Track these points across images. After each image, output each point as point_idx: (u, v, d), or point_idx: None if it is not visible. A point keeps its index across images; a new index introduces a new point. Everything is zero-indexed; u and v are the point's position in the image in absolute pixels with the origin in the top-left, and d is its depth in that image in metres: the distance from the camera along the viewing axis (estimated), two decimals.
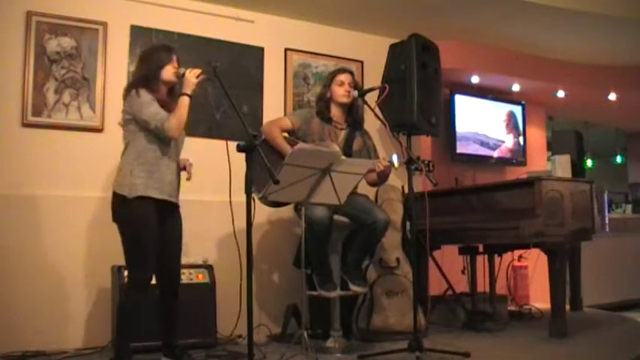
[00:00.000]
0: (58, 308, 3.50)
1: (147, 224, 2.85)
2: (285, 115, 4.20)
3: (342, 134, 3.64)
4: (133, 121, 2.89)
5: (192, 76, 2.95)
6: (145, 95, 2.86)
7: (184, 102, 2.92)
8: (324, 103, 3.65)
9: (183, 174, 3.10)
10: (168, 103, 2.95)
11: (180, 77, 2.96)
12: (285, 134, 3.61)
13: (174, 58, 3.00)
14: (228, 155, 2.81)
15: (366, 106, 3.56)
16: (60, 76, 3.72)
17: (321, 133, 3.59)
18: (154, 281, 2.94)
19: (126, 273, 3.36)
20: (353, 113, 3.67)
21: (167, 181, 2.93)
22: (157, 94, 2.93)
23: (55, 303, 3.50)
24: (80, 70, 3.79)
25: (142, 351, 3.16)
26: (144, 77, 2.94)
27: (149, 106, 2.85)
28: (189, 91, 2.94)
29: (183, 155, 3.10)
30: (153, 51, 3.05)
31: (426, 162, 3.30)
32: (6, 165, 3.54)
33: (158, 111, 2.86)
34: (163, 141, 2.91)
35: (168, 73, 2.96)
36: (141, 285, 2.85)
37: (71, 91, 3.75)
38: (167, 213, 2.97)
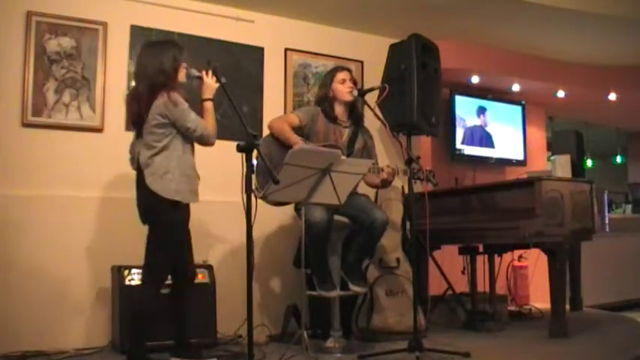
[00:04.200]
0: (58, 308, 3.49)
1: (184, 229, 2.94)
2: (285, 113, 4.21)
3: (347, 132, 3.65)
4: (169, 125, 2.86)
5: (212, 80, 2.97)
6: (182, 101, 2.86)
7: (211, 107, 2.96)
8: (327, 102, 3.64)
9: None
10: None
11: (191, 79, 2.96)
12: None
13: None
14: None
15: (365, 106, 3.56)
16: (60, 76, 3.71)
17: (327, 131, 3.59)
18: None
19: (126, 273, 3.38)
20: (355, 111, 3.68)
21: (197, 185, 2.99)
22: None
23: (55, 303, 3.49)
24: (80, 70, 3.78)
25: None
26: (168, 77, 2.88)
27: (190, 113, 2.86)
28: (211, 96, 2.98)
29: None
30: (167, 47, 3.00)
31: (429, 171, 3.35)
32: (6, 165, 3.54)
33: (200, 118, 2.88)
34: (191, 146, 2.96)
35: (181, 74, 2.97)
36: (160, 285, 2.90)
37: (71, 91, 3.74)
38: None
